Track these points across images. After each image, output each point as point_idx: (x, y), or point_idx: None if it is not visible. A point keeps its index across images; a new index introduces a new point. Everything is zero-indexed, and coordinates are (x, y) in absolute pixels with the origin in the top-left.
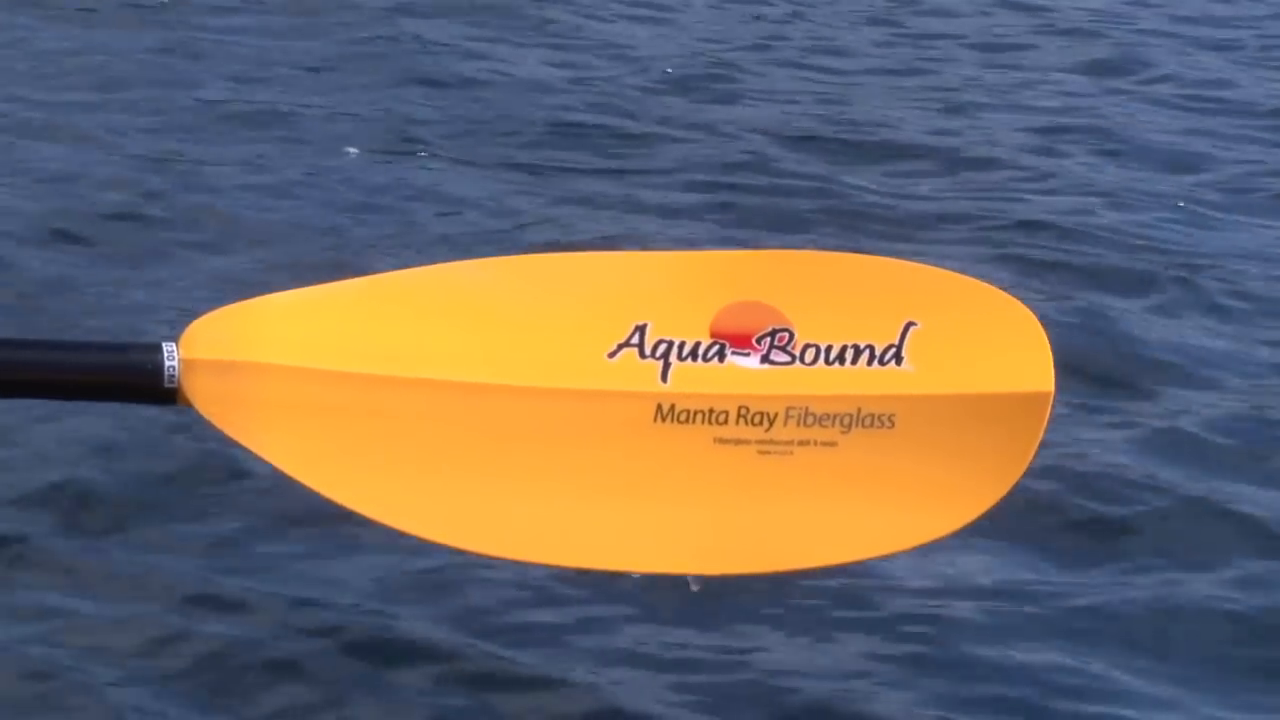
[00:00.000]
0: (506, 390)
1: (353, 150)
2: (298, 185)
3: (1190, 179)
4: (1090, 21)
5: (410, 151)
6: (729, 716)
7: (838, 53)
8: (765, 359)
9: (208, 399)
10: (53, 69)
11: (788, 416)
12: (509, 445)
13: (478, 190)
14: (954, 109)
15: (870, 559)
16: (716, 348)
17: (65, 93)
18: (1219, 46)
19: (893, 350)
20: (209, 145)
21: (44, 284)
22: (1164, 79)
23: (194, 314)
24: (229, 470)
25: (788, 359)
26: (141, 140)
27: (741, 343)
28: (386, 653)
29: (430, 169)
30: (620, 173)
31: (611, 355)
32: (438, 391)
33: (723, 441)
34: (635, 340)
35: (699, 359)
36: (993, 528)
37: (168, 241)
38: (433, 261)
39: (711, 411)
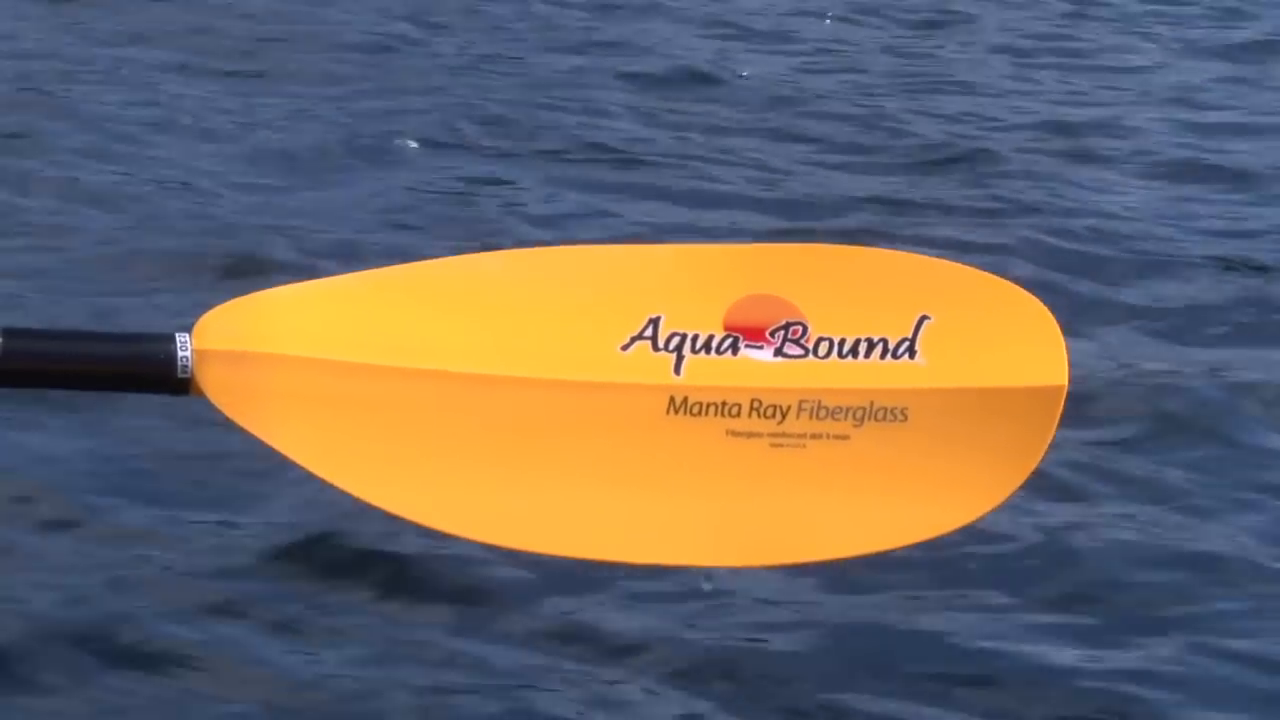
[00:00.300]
0: (518, 382)
1: (412, 143)
2: (353, 176)
3: None
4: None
5: (470, 145)
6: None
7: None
8: (778, 352)
9: (220, 389)
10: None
11: (800, 409)
12: (520, 437)
13: (535, 186)
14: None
15: (882, 552)
16: (730, 340)
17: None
18: None
19: (906, 344)
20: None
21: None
22: None
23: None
24: None
25: (801, 352)
26: (199, 130)
27: (755, 336)
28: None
29: (488, 163)
30: (686, 174)
31: (624, 348)
32: (450, 383)
33: (735, 434)
34: (648, 333)
35: (712, 352)
36: None
37: (211, 230)
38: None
39: (724, 404)
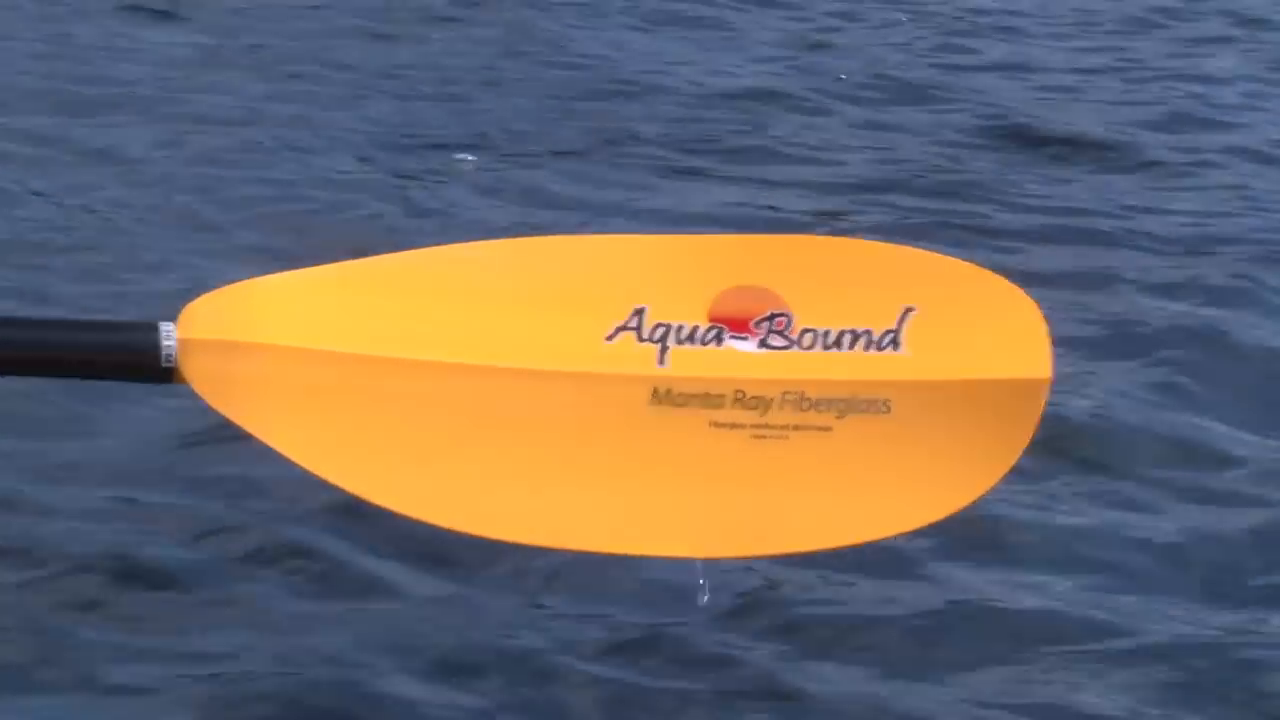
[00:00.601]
0: (505, 372)
1: (469, 157)
2: (406, 188)
3: None
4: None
5: (526, 159)
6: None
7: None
8: (762, 343)
9: (204, 379)
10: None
11: (784, 401)
12: (506, 427)
13: (592, 198)
14: None
15: (865, 543)
16: (714, 331)
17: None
18: None
19: (890, 335)
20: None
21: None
22: None
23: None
24: None
25: (785, 343)
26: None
27: (739, 327)
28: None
29: (543, 177)
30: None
31: (610, 338)
32: (436, 373)
33: (719, 425)
34: (634, 323)
35: (696, 342)
36: None
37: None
38: None
39: (708, 395)
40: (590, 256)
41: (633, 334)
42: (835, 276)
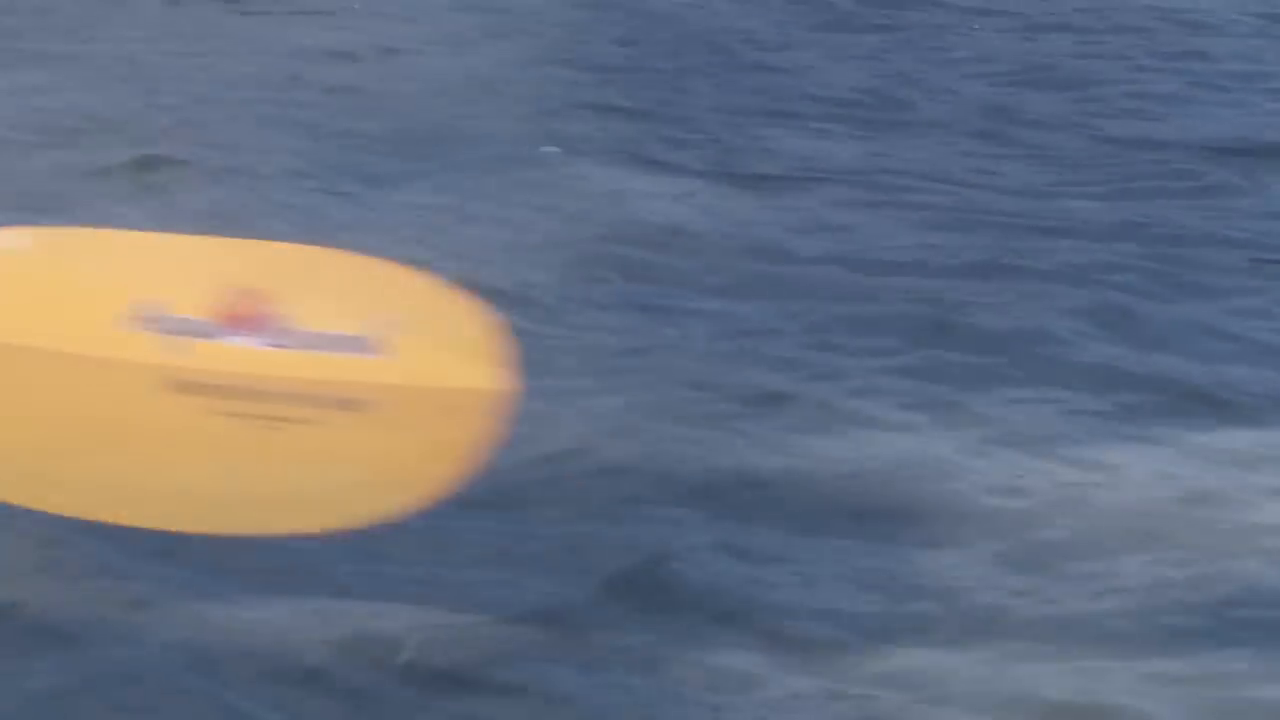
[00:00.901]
0: (29, 351)
1: (554, 148)
2: (483, 173)
3: None
4: None
5: (613, 154)
6: None
7: None
8: (263, 341)
9: None
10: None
11: (278, 395)
12: (26, 402)
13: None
14: None
15: (346, 528)
16: (221, 327)
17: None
18: None
19: (372, 341)
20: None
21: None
22: None
23: None
24: None
25: (282, 342)
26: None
27: (243, 324)
28: None
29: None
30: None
31: (126, 326)
32: None
33: (219, 414)
34: (148, 314)
35: (205, 337)
36: None
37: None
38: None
39: (210, 385)
40: (116, 249)
41: (147, 324)
42: (329, 284)
